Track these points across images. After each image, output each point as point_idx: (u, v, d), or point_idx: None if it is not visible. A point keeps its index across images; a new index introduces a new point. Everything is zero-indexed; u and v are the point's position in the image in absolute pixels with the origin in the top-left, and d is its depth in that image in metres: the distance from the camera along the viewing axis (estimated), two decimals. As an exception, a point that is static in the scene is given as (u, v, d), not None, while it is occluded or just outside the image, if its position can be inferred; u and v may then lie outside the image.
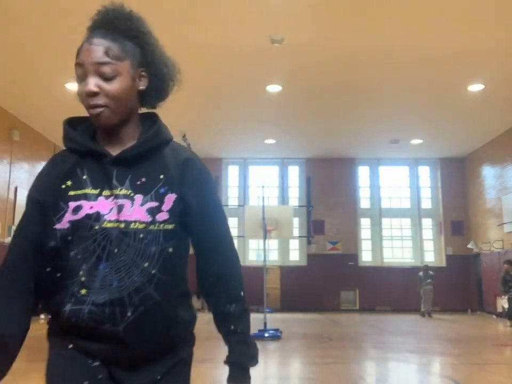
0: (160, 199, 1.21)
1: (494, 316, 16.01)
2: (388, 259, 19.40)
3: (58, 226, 1.18)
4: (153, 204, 1.21)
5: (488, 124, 15.05)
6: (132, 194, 1.21)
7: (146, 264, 1.18)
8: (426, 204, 19.84)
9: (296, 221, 18.85)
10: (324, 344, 9.01)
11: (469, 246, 17.98)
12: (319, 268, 18.48)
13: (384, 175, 19.98)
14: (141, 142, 1.25)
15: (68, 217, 1.18)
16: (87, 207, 1.18)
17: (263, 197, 11.04)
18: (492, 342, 9.55)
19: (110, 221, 1.18)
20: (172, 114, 15.46)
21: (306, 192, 19.37)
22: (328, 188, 19.23)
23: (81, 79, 1.25)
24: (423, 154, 18.89)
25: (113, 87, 1.21)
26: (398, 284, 18.05)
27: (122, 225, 1.18)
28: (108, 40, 1.22)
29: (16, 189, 14.64)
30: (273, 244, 18.62)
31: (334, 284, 18.45)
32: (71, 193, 1.20)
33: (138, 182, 1.22)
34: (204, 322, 15.06)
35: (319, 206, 18.93)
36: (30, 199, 1.25)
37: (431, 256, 19.35)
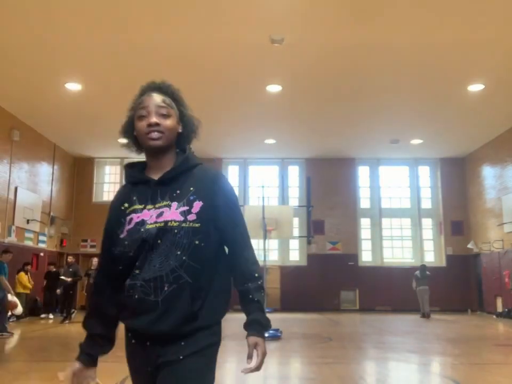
0: (190, 204, 1.67)
1: (494, 316, 16.01)
2: (388, 259, 19.41)
3: (121, 236, 1.71)
4: (185, 208, 1.66)
5: (488, 124, 15.05)
6: (170, 203, 1.68)
7: (179, 252, 1.62)
8: (426, 204, 19.84)
9: (296, 221, 18.83)
10: (324, 344, 9.01)
11: (469, 246, 17.98)
12: (319, 268, 18.48)
13: (384, 175, 19.98)
14: (175, 167, 1.74)
15: (126, 227, 1.70)
16: (136, 218, 1.69)
17: (263, 197, 11.03)
18: (492, 342, 9.55)
19: (150, 223, 1.66)
20: (171, 114, 15.26)
21: (306, 192, 19.30)
22: (328, 188, 19.23)
23: (143, 118, 1.74)
24: (423, 154, 18.89)
25: (167, 122, 1.73)
26: (398, 284, 18.04)
27: (162, 225, 1.64)
28: (162, 95, 1.78)
29: (16, 189, 14.63)
30: (273, 243, 18.62)
31: (334, 284, 18.45)
32: (127, 211, 1.73)
33: (174, 194, 1.69)
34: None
35: (319, 206, 18.90)
36: (104, 228, 1.84)
37: (431, 256, 19.35)
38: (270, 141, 17.21)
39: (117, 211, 1.75)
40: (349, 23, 9.19)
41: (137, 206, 1.71)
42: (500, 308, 16.10)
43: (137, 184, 1.76)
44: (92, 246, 18.98)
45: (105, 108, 13.82)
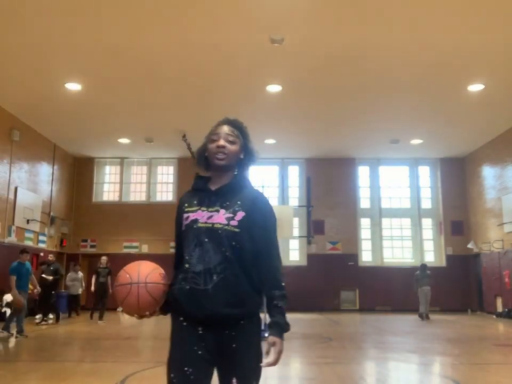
0: (235, 213, 2.09)
1: (494, 316, 16.01)
2: (388, 259, 19.40)
3: (182, 228, 2.15)
4: (230, 215, 2.08)
5: (488, 124, 15.05)
6: (219, 209, 2.10)
7: (223, 249, 2.02)
8: (426, 204, 19.83)
9: (296, 221, 18.83)
10: (324, 344, 9.01)
11: (469, 246, 17.97)
12: (319, 268, 18.48)
13: (384, 175, 19.97)
14: (229, 183, 2.19)
15: (184, 223, 2.14)
16: (191, 216, 2.13)
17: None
18: (492, 342, 9.54)
19: (201, 223, 2.08)
20: (172, 114, 15.53)
21: (306, 192, 19.30)
22: (328, 188, 19.23)
23: (214, 141, 2.19)
24: (423, 154, 18.89)
25: (232, 147, 2.19)
26: (398, 284, 18.04)
27: (210, 225, 2.06)
28: (231, 127, 2.24)
29: (16, 189, 14.63)
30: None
31: (334, 284, 18.45)
32: (185, 209, 2.18)
33: (224, 204, 2.12)
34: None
35: (319, 206, 18.90)
36: (176, 215, 2.24)
37: (431, 256, 19.34)
38: (270, 141, 17.21)
39: (180, 209, 2.22)
40: (349, 23, 9.18)
41: (194, 208, 2.16)
42: (500, 308, 16.10)
43: (200, 191, 2.22)
44: (92, 246, 18.99)
45: (105, 108, 13.83)
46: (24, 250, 10.57)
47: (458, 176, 19.12)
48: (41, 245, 16.56)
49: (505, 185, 15.82)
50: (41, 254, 16.37)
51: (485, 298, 17.32)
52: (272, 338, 1.98)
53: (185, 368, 1.94)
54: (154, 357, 7.52)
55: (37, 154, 16.13)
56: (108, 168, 20.24)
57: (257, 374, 2.05)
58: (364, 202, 19.84)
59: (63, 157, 18.29)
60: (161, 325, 12.44)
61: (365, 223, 19.67)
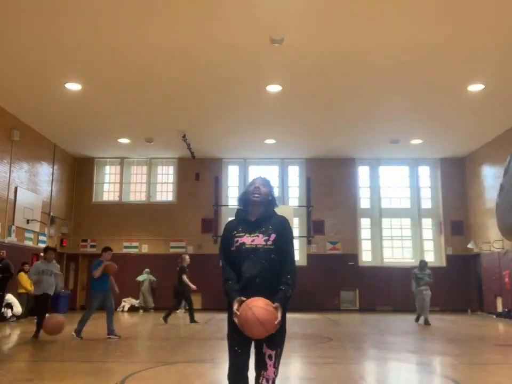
0: (269, 235, 3.02)
1: (494, 316, 16.01)
2: (388, 259, 19.41)
3: (232, 248, 3.04)
4: (266, 237, 3.02)
5: (488, 124, 15.05)
6: (258, 234, 3.03)
7: (263, 261, 2.97)
8: (426, 203, 19.83)
9: (296, 221, 18.88)
10: (324, 344, 9.01)
11: (469, 246, 17.98)
12: (319, 268, 18.48)
13: (384, 175, 19.97)
14: (263, 215, 3.13)
15: (235, 245, 3.03)
16: (240, 240, 3.03)
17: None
18: (492, 342, 9.54)
19: (248, 245, 3.00)
20: (172, 114, 15.48)
21: (306, 192, 19.38)
22: (328, 188, 19.24)
23: (251, 186, 3.19)
24: (423, 154, 18.90)
25: (263, 190, 3.18)
26: (398, 284, 18.03)
27: (254, 246, 2.99)
28: (262, 181, 3.23)
29: (16, 189, 14.64)
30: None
31: (334, 284, 18.45)
32: (236, 235, 3.06)
33: (261, 229, 3.04)
34: (204, 322, 15.01)
35: (319, 206, 18.93)
36: (222, 236, 3.20)
37: (431, 256, 19.33)
38: (270, 141, 17.21)
39: (230, 234, 3.09)
40: (349, 23, 9.18)
41: (241, 234, 3.05)
42: (500, 308, 16.10)
43: (242, 220, 3.13)
44: (92, 246, 18.99)
45: (105, 108, 13.83)
46: (107, 248, 10.34)
47: (458, 176, 19.12)
48: (41, 245, 16.54)
49: (505, 185, 15.79)
50: (41, 254, 16.38)
51: (485, 298, 17.32)
52: (276, 304, 2.84)
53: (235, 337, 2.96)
54: (154, 357, 7.52)
55: (37, 154, 16.14)
56: (107, 168, 20.24)
57: (283, 341, 3.05)
58: (364, 202, 19.84)
59: (63, 157, 18.30)
60: (161, 325, 12.43)
61: (365, 223, 19.67)
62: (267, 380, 2.87)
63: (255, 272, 2.92)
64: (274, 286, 2.95)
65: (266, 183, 3.23)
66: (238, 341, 2.89)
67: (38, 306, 9.68)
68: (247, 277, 2.95)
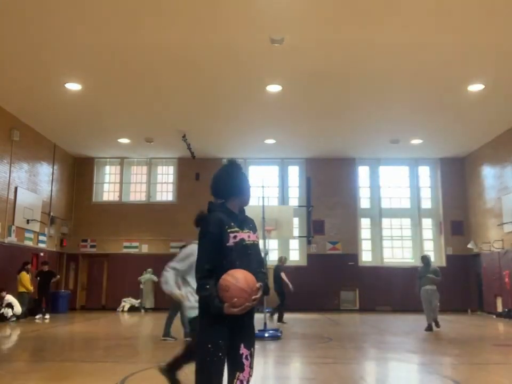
0: (255, 232, 2.97)
1: (494, 316, 16.01)
2: (388, 259, 19.41)
3: (228, 244, 2.78)
4: (255, 233, 2.95)
5: (488, 124, 15.05)
6: (249, 230, 2.91)
7: (258, 257, 2.95)
8: (426, 203, 19.83)
9: (296, 221, 18.82)
10: (324, 344, 9.01)
11: (469, 246, 17.97)
12: (319, 268, 18.48)
13: (384, 175, 19.97)
14: (242, 211, 3.00)
15: (233, 240, 2.79)
16: (239, 236, 2.82)
17: (263, 197, 11.03)
18: (492, 342, 9.54)
19: (247, 240, 2.85)
20: (172, 114, 15.49)
21: (306, 192, 19.30)
22: (328, 188, 19.23)
23: (247, 185, 3.08)
24: (423, 154, 18.90)
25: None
26: (398, 284, 18.03)
27: (251, 242, 2.87)
28: None
29: (16, 189, 14.64)
30: (273, 243, 18.62)
31: (334, 284, 18.45)
32: (230, 230, 2.81)
33: (249, 225, 2.95)
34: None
35: (319, 206, 18.90)
36: (211, 232, 2.80)
37: (431, 256, 19.27)
38: (270, 141, 17.21)
39: (223, 229, 2.79)
40: (349, 23, 9.18)
41: (237, 229, 2.84)
42: (500, 308, 16.09)
43: (231, 214, 2.89)
44: (92, 246, 18.99)
45: (105, 108, 13.83)
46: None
47: (458, 176, 19.12)
48: (41, 245, 16.56)
49: (505, 185, 15.82)
50: (41, 254, 16.39)
51: (485, 298, 17.32)
52: (259, 283, 2.76)
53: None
54: (154, 357, 7.52)
55: (37, 154, 16.14)
56: (107, 168, 20.24)
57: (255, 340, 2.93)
58: (364, 202, 19.84)
59: (63, 157, 18.29)
60: (161, 325, 12.42)
61: (365, 223, 19.67)
62: (241, 381, 2.74)
63: (255, 268, 2.84)
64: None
65: None
66: (223, 346, 2.71)
67: None
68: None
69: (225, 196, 2.94)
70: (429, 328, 11.19)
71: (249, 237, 2.86)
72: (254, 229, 2.97)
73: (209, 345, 2.68)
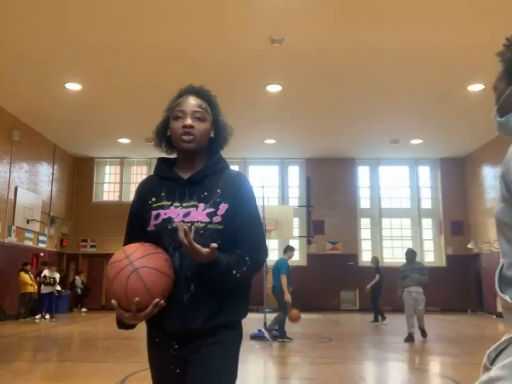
0: (216, 206, 1.72)
1: (494, 316, 16.01)
2: (388, 259, 19.40)
3: (148, 229, 1.74)
4: (211, 210, 1.71)
5: (488, 124, 14.95)
6: (197, 203, 1.72)
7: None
8: (426, 203, 19.84)
9: (296, 221, 18.84)
10: (324, 344, 9.01)
11: (469, 246, 17.98)
12: (319, 268, 18.48)
13: (384, 175, 19.98)
14: (204, 168, 1.80)
15: (153, 222, 1.73)
16: (163, 214, 1.73)
17: (263, 197, 11.03)
18: (492, 342, 9.48)
19: (178, 222, 1.65)
20: (171, 114, 15.20)
21: (306, 192, 19.37)
22: (328, 188, 19.23)
23: (178, 119, 1.79)
24: (423, 154, 18.90)
25: (201, 126, 1.78)
26: (398, 284, 17.99)
27: (188, 224, 1.62)
28: (199, 99, 1.83)
29: (16, 189, 14.63)
30: (273, 243, 18.62)
31: (334, 284, 18.45)
32: (154, 205, 1.76)
33: (202, 195, 1.74)
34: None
35: (319, 206, 18.92)
36: (131, 211, 1.87)
37: (431, 256, 19.35)
38: (270, 141, 17.21)
39: (143, 202, 1.81)
40: (349, 23, 9.19)
41: (165, 203, 1.76)
42: (500, 308, 16.04)
43: (165, 179, 1.82)
44: (92, 246, 18.98)
45: (105, 108, 13.82)
46: (289, 247, 9.85)
47: (458, 176, 19.12)
48: (41, 245, 16.56)
49: (505, 185, 15.81)
50: (41, 254, 16.38)
51: (485, 298, 17.32)
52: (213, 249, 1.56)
53: None
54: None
55: (37, 154, 16.13)
56: (107, 168, 20.24)
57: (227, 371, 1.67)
58: (364, 202, 19.85)
59: (63, 157, 18.29)
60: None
61: (365, 223, 19.68)
62: None
63: (188, 273, 1.67)
64: (225, 297, 1.69)
65: (205, 104, 1.83)
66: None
67: None
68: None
69: (162, 147, 1.93)
70: (410, 339, 9.02)
71: (186, 215, 1.70)
72: (212, 199, 1.73)
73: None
